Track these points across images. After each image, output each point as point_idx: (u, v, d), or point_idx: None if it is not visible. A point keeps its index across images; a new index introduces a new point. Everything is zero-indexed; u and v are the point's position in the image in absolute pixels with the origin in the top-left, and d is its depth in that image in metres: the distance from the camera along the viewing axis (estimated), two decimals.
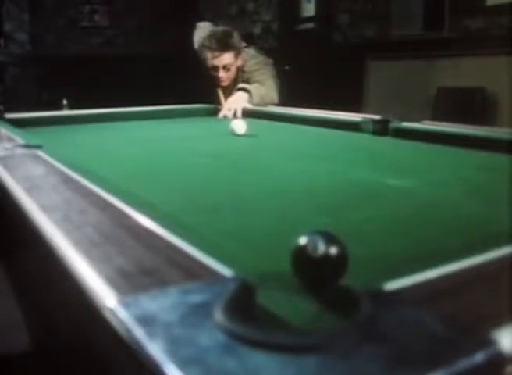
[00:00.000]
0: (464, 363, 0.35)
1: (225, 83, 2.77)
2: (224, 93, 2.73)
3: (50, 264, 0.62)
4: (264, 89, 2.68)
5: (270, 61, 2.91)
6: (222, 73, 2.72)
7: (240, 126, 1.76)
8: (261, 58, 2.90)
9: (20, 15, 6.11)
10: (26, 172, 1.01)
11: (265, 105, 2.62)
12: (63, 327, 0.66)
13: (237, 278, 0.48)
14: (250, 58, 2.83)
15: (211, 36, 2.71)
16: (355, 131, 1.83)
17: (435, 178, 1.18)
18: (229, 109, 2.49)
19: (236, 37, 2.76)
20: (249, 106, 2.52)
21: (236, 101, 2.53)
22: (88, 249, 0.57)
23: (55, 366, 0.78)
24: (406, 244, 0.73)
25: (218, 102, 2.74)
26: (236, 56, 2.73)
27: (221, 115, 2.50)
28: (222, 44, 2.67)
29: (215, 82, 2.80)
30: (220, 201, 0.98)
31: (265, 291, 0.50)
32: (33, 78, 6.12)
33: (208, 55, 2.69)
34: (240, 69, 2.79)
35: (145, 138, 1.90)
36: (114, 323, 0.41)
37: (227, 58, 2.68)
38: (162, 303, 0.43)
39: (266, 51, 3.05)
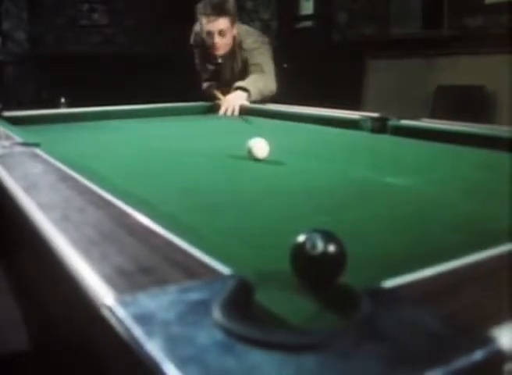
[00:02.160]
0: (463, 361, 0.35)
1: (220, 51, 2.71)
2: (223, 93, 2.70)
3: (48, 263, 0.62)
4: (262, 81, 2.65)
5: (266, 39, 2.90)
6: (217, 39, 2.66)
7: (261, 147, 1.33)
8: (258, 34, 2.88)
9: (19, 14, 6.10)
10: (25, 170, 1.01)
11: (264, 98, 2.61)
12: (62, 326, 0.66)
13: (236, 276, 0.48)
14: (248, 34, 2.79)
15: (208, 2, 2.67)
16: (354, 129, 1.83)
17: (434, 176, 1.18)
18: (228, 107, 2.47)
19: (231, 3, 2.70)
20: (247, 103, 2.52)
21: (235, 99, 2.52)
22: (87, 248, 0.57)
23: (54, 366, 0.77)
24: (405, 242, 0.72)
25: (214, 98, 2.70)
26: (232, 24, 2.69)
27: (221, 112, 2.49)
28: (218, 9, 2.63)
29: (209, 52, 2.75)
30: (219, 199, 0.97)
31: (264, 289, 0.50)
32: (32, 77, 6.12)
33: (203, 20, 2.66)
34: (235, 39, 2.73)
35: (144, 136, 1.90)
36: (112, 321, 0.41)
37: (222, 23, 2.64)
38: (161, 301, 0.43)
39: None
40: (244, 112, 2.42)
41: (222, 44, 2.70)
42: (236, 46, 2.76)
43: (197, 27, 2.90)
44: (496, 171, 1.18)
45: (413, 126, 1.71)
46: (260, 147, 1.34)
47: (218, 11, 2.63)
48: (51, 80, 6.00)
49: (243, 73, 2.78)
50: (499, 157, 1.27)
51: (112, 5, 6.68)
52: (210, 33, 2.68)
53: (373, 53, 4.41)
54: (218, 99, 2.65)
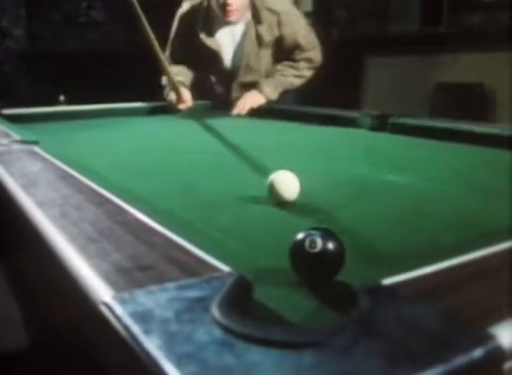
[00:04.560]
0: (462, 359, 0.35)
1: (234, 17, 2.08)
2: (230, 86, 2.31)
3: (46, 260, 0.62)
4: (301, 76, 2.29)
5: None
6: None
7: (289, 183, 0.88)
8: None
9: (17, 10, 6.09)
10: (23, 168, 1.01)
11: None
12: (61, 324, 0.65)
13: (235, 274, 0.47)
14: None
15: None
16: (353, 127, 1.83)
17: (434, 174, 1.18)
18: (241, 108, 2.21)
19: None
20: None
21: (249, 101, 2.24)
22: (85, 245, 0.56)
23: (53, 363, 0.77)
24: (404, 239, 0.72)
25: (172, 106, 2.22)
26: None
27: (235, 112, 2.22)
28: None
29: (217, 17, 2.17)
30: (218, 197, 0.97)
31: (263, 287, 0.49)
32: (31, 74, 6.10)
33: None
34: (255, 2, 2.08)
35: (143, 134, 1.89)
36: (110, 319, 0.40)
37: None
38: (159, 299, 0.42)
39: None
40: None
41: (237, 6, 2.04)
42: (258, 9, 2.08)
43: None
44: (496, 169, 1.18)
45: (412, 123, 1.70)
46: (287, 183, 0.88)
47: None
48: (50, 78, 5.99)
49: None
50: (499, 155, 1.27)
51: (110, 2, 6.66)
52: None
53: (372, 50, 4.40)
54: (177, 104, 2.21)
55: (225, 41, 2.26)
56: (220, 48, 2.26)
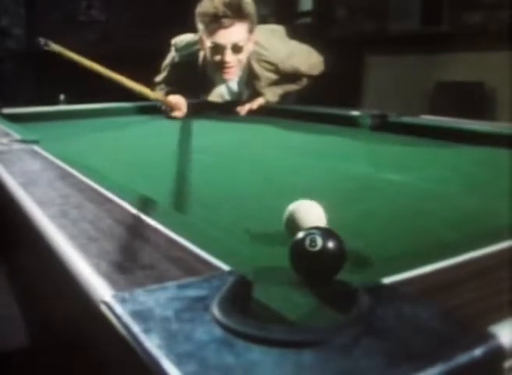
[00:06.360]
0: (463, 358, 0.35)
1: (232, 75, 2.00)
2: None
3: (46, 259, 0.62)
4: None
5: (278, 28, 2.29)
6: (229, 56, 1.89)
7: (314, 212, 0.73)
8: (274, 33, 2.20)
9: (17, 10, 6.09)
10: (23, 167, 1.01)
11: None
12: (61, 323, 0.65)
13: (235, 273, 0.47)
14: (267, 40, 2.05)
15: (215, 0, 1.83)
16: (353, 126, 1.83)
17: (434, 173, 1.18)
18: (243, 108, 2.17)
19: (249, 2, 1.88)
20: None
21: (251, 101, 2.20)
22: (85, 244, 0.56)
23: (53, 363, 0.77)
24: (405, 238, 0.72)
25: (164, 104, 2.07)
26: (250, 32, 1.89)
27: (242, 111, 2.19)
28: (235, 8, 1.80)
29: (214, 75, 2.10)
30: (219, 196, 0.97)
31: (263, 286, 0.49)
32: (31, 73, 6.11)
33: (209, 28, 1.85)
34: (250, 55, 1.98)
35: (144, 133, 1.89)
36: (110, 318, 0.40)
37: (238, 30, 1.83)
38: (159, 298, 0.42)
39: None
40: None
41: (235, 64, 1.95)
42: (254, 67, 2.03)
43: (185, 37, 2.20)
44: (496, 168, 1.18)
45: (412, 122, 1.70)
46: (312, 211, 0.73)
47: (236, 11, 1.81)
48: (50, 77, 5.98)
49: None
50: (499, 154, 1.27)
51: (110, 1, 6.66)
52: (217, 49, 1.90)
53: (372, 49, 4.40)
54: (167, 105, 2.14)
55: (224, 95, 2.27)
56: (217, 98, 2.27)
